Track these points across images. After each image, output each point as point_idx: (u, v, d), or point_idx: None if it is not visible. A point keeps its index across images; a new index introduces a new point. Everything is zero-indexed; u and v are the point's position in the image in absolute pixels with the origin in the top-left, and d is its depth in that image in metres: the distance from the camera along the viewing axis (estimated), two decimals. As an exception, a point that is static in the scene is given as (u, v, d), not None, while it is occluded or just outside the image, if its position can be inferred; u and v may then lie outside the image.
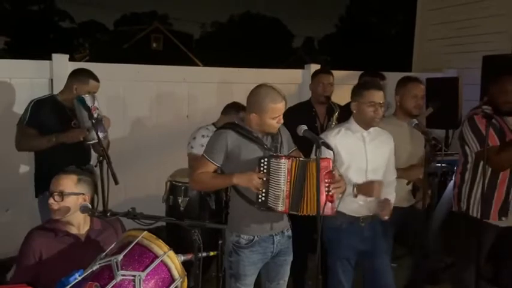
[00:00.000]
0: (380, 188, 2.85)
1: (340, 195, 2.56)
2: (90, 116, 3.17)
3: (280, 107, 2.61)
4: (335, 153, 2.83)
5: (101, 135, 3.21)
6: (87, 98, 3.21)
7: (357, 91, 2.95)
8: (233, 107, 3.90)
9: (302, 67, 5.94)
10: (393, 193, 3.05)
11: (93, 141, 3.26)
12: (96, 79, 3.55)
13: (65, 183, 2.46)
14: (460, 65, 6.56)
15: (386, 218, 2.89)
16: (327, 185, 2.48)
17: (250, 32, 40.85)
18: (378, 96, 2.85)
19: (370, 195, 2.86)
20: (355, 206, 2.92)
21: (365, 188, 2.85)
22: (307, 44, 46.24)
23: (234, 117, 3.79)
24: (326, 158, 2.50)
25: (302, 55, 34.10)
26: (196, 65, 24.95)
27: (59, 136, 3.32)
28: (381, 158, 2.97)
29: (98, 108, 3.23)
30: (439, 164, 4.24)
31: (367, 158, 2.91)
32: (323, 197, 2.46)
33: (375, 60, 20.90)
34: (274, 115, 2.61)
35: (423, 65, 7.41)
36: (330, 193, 2.49)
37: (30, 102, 3.48)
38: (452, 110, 5.27)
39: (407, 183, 3.32)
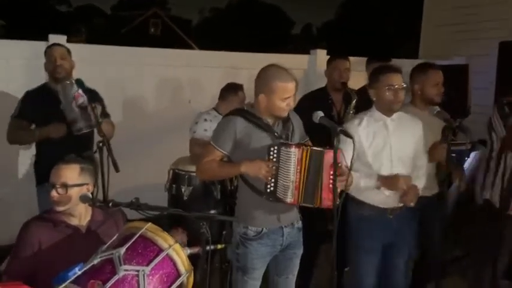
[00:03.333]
0: (406, 182, 2.72)
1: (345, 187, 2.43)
2: (68, 107, 3.04)
3: (290, 87, 2.47)
4: (356, 145, 2.69)
5: (83, 125, 3.07)
6: (68, 86, 3.06)
7: (373, 78, 2.82)
8: (230, 89, 3.78)
9: (307, 52, 5.80)
10: (421, 178, 2.89)
11: (80, 132, 3.11)
12: (56, 44, 3.44)
13: (67, 174, 2.32)
14: (469, 52, 6.41)
15: (412, 204, 2.75)
16: (331, 177, 2.35)
17: (248, 18, 40.41)
18: (395, 79, 2.72)
19: (394, 189, 2.73)
20: (382, 197, 2.77)
21: (389, 182, 2.72)
22: (307, 29, 45.75)
23: (235, 98, 3.70)
24: (330, 150, 2.35)
25: (303, 41, 33.74)
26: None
27: (41, 131, 3.21)
28: (407, 147, 2.83)
29: (82, 96, 3.06)
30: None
31: (391, 146, 2.78)
32: (326, 189, 2.35)
33: (380, 46, 20.62)
34: (283, 96, 2.46)
35: (431, 51, 7.25)
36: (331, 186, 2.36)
37: (24, 94, 3.38)
38: (460, 98, 5.16)
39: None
